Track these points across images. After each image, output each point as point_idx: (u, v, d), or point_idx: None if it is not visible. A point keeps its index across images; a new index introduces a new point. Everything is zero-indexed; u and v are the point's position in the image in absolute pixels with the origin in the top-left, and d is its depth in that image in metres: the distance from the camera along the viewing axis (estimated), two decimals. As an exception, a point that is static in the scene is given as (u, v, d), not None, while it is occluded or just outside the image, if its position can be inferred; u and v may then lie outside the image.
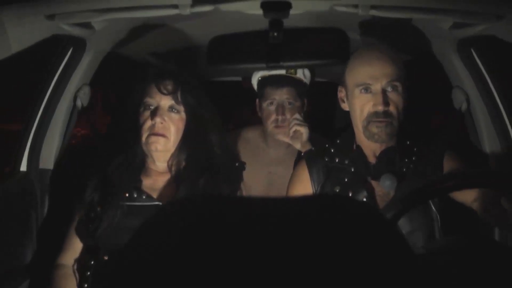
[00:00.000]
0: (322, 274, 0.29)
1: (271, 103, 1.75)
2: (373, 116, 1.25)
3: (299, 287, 0.28)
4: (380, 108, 1.23)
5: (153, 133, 1.30)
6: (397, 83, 1.25)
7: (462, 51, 1.41)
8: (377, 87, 1.24)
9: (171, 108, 1.32)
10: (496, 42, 1.24)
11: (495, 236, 1.43)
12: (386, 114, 1.23)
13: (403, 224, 1.22)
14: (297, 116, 1.70)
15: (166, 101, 1.31)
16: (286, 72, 1.74)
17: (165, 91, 1.30)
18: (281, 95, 1.73)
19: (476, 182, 0.83)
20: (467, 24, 1.25)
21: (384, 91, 1.24)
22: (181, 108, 1.33)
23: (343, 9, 1.16)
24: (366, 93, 1.26)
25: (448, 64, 1.50)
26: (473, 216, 1.23)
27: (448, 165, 1.30)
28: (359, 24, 1.45)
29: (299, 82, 1.76)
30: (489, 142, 1.46)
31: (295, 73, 1.75)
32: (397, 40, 1.60)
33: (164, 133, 1.31)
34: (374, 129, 1.25)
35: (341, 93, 1.37)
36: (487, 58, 1.38)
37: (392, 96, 1.24)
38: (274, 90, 1.74)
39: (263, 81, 1.79)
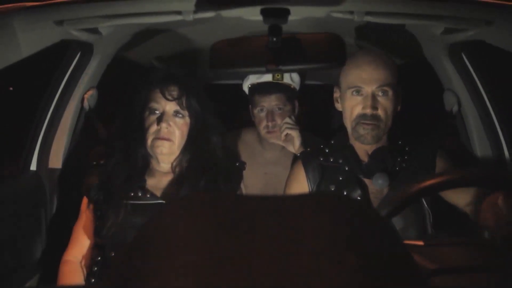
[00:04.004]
0: (319, 270, 0.30)
1: (261, 110, 1.77)
2: (361, 118, 1.28)
3: (296, 282, 0.30)
4: (368, 111, 1.27)
5: (158, 137, 1.32)
6: (387, 88, 1.27)
7: (453, 55, 1.44)
8: (367, 90, 1.28)
9: (176, 113, 1.33)
10: (486, 47, 1.27)
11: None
12: (373, 117, 1.27)
13: (396, 221, 1.25)
14: (287, 120, 1.71)
15: (171, 107, 1.32)
16: (273, 79, 1.76)
17: (170, 97, 1.31)
18: (270, 101, 1.75)
19: (469, 180, 0.87)
20: (458, 29, 1.29)
21: (373, 95, 1.27)
22: (186, 113, 1.34)
23: (340, 15, 1.19)
24: (357, 96, 1.30)
25: (440, 67, 1.53)
26: (463, 212, 1.27)
27: (440, 164, 1.33)
28: (354, 30, 1.49)
29: (287, 87, 1.78)
30: (479, 143, 1.49)
31: (282, 78, 1.77)
32: (391, 45, 1.63)
33: (170, 137, 1.32)
34: (361, 130, 1.29)
35: (336, 94, 1.41)
36: (477, 62, 1.41)
37: (382, 100, 1.28)
38: (263, 97, 1.76)
39: (252, 89, 1.81)
